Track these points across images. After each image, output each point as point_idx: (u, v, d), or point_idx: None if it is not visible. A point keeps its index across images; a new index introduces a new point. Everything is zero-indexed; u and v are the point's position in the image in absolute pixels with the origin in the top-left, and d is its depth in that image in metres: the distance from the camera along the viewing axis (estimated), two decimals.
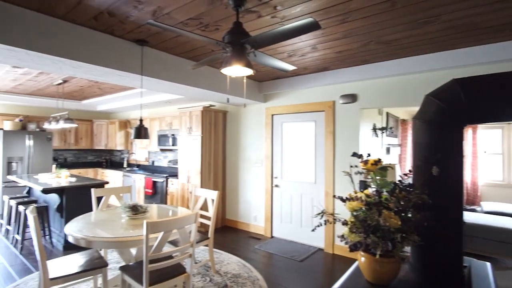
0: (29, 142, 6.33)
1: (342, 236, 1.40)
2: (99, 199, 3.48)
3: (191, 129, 5.14)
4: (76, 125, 4.97)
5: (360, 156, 1.48)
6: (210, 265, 3.54)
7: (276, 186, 4.79)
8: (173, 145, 5.87)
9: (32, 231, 2.36)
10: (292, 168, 4.66)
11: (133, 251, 2.95)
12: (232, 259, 3.85)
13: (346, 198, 1.44)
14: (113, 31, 2.80)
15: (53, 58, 2.58)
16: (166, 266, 2.37)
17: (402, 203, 1.33)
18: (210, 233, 3.38)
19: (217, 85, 4.04)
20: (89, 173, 7.53)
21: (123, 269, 2.50)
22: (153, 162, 7.04)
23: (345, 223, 1.44)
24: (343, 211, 1.57)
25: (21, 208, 4.13)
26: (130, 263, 2.73)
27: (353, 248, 1.30)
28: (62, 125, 4.81)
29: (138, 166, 7.39)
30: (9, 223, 4.67)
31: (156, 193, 5.73)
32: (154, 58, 3.25)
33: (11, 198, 4.76)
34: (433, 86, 1.73)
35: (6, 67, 4.12)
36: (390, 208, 1.33)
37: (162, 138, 6.15)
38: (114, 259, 3.71)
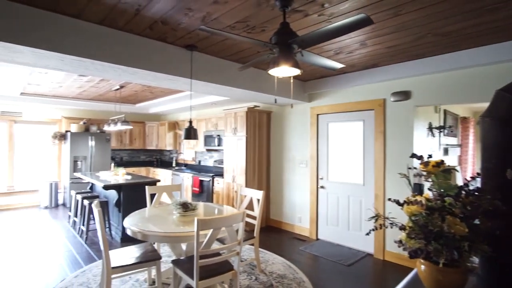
0: (91, 143, 6.99)
1: (400, 242, 1.32)
2: (152, 196, 3.71)
3: (236, 130, 5.25)
4: (131, 127, 5.37)
5: (420, 158, 1.38)
6: (256, 264, 3.58)
7: (322, 187, 4.69)
8: (218, 145, 6.05)
9: (96, 223, 2.60)
10: (339, 169, 4.53)
11: (184, 246, 3.10)
12: (277, 260, 3.85)
13: (404, 201, 1.36)
14: (165, 38, 2.97)
15: (113, 66, 2.81)
16: (214, 262, 2.45)
17: (469, 208, 1.21)
18: (256, 233, 3.42)
19: (263, 86, 4.08)
20: (141, 171, 8.08)
21: (175, 262, 2.64)
22: (199, 161, 7.33)
23: (402, 228, 1.35)
24: (396, 215, 1.48)
25: (85, 202, 4.57)
26: (181, 258, 2.87)
27: (413, 254, 1.22)
28: (119, 127, 5.24)
29: (186, 165, 7.75)
30: (76, 215, 5.19)
31: (203, 192, 5.95)
32: (202, 62, 3.38)
33: (77, 193, 5.29)
34: (500, 80, 1.56)
35: (74, 75, 4.59)
36: (454, 214, 1.23)
37: (208, 139, 6.37)
38: (165, 253, 3.93)
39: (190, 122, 3.14)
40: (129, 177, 5.18)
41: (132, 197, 4.62)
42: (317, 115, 4.77)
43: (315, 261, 3.91)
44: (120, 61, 2.77)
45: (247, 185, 5.06)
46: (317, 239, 4.73)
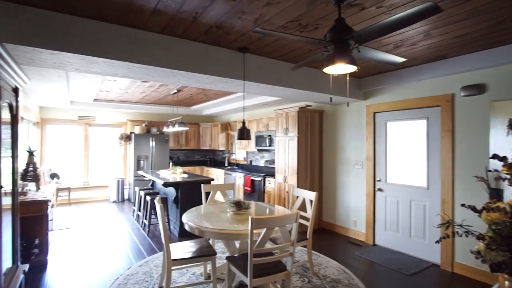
0: (152, 143, 7.56)
1: (478, 253, 1.18)
2: (207, 193, 3.87)
3: (287, 130, 5.23)
4: (188, 128, 5.68)
5: (503, 159, 1.21)
6: (308, 267, 3.52)
7: (379, 190, 4.42)
8: (269, 145, 6.09)
9: (158, 218, 2.79)
10: (399, 170, 4.22)
11: (237, 243, 3.17)
12: (331, 263, 3.73)
13: (483, 208, 1.21)
14: (219, 42, 3.07)
15: (173, 71, 3.00)
16: (268, 261, 2.47)
17: None
18: (309, 234, 3.35)
19: (316, 85, 3.99)
20: (196, 170, 8.50)
21: (229, 259, 2.71)
22: (251, 161, 7.45)
23: (480, 237, 1.21)
24: (470, 222, 1.32)
25: (148, 198, 4.96)
26: (235, 255, 2.95)
27: (496, 268, 1.08)
28: (177, 128, 5.57)
29: (238, 165, 7.94)
30: (139, 210, 5.66)
31: (254, 191, 6.04)
32: (254, 63, 3.43)
33: (140, 189, 5.76)
34: None
35: (138, 82, 5.01)
36: None
37: (259, 139, 6.45)
38: (219, 249, 4.07)
39: (243, 122, 3.21)
40: (185, 175, 5.48)
41: (188, 194, 4.88)
42: (374, 113, 4.51)
43: (372, 267, 3.70)
44: (178, 67, 2.95)
45: (298, 186, 5.00)
46: (374, 244, 4.47)
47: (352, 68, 2.11)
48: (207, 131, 8.74)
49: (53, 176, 6.86)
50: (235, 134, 8.04)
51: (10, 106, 1.90)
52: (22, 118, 5.19)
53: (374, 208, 4.49)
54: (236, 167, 7.72)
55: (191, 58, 3.02)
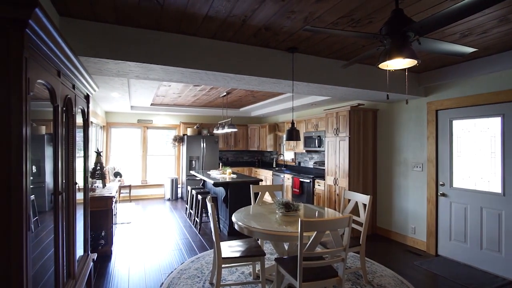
0: (203, 145, 7.87)
1: None
2: (255, 194, 3.90)
3: (338, 130, 5.04)
4: (236, 129, 5.80)
5: None
6: (361, 274, 3.33)
7: (443, 195, 4.02)
8: (319, 146, 5.94)
9: (210, 217, 2.88)
10: (467, 174, 3.80)
11: (286, 245, 3.14)
12: (386, 272, 3.49)
13: None
14: (268, 44, 3.07)
15: (223, 74, 3.08)
16: (318, 266, 2.39)
17: None
18: (362, 240, 3.18)
19: (369, 83, 3.78)
20: (244, 171, 8.64)
21: (278, 261, 2.68)
22: (299, 163, 7.35)
23: None
24: None
25: (199, 197, 5.16)
26: (284, 256, 2.92)
27: None
28: (226, 129, 5.73)
29: (286, 166, 7.89)
30: (191, 208, 5.93)
31: (303, 193, 5.93)
32: (303, 63, 3.37)
33: (192, 188, 6.03)
34: None
35: (190, 86, 5.26)
36: None
37: (307, 140, 6.33)
38: (267, 250, 4.06)
39: (293, 123, 3.16)
40: (234, 176, 5.60)
41: (238, 194, 4.98)
42: (436, 111, 4.12)
43: (435, 280, 3.37)
44: (228, 70, 3.01)
45: (350, 189, 4.78)
46: (437, 255, 4.08)
47: (412, 62, 1.94)
48: (255, 133, 8.84)
49: (117, 174, 7.53)
50: (283, 135, 8.00)
51: (83, 112, 2.11)
52: (91, 122, 5.78)
53: (436, 214, 4.10)
54: (284, 168, 7.67)
55: (240, 61, 3.07)
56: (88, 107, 2.25)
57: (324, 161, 6.18)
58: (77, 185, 1.81)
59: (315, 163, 6.55)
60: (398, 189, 4.70)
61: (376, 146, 5.10)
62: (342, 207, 3.61)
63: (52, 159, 1.42)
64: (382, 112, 5.02)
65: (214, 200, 5.20)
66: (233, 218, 2.97)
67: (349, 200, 3.54)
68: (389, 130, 4.87)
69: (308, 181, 5.76)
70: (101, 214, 3.98)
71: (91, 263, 2.19)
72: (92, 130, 6.00)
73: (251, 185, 3.89)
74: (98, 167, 4.46)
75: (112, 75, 3.13)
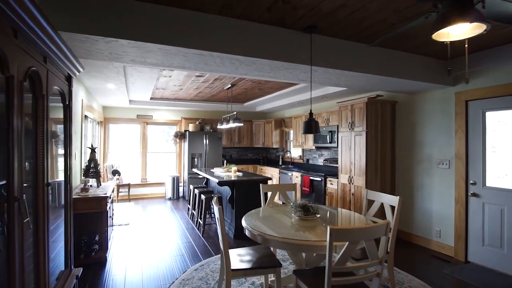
0: (205, 141, 7.47)
1: None
2: (265, 194, 3.50)
3: (353, 124, 4.62)
4: (242, 124, 5.39)
5: None
6: (389, 286, 2.93)
7: (474, 195, 3.61)
8: (330, 142, 5.52)
9: (217, 221, 2.48)
10: (503, 171, 3.39)
11: (303, 253, 2.74)
12: (414, 282, 3.09)
13: None
14: (284, 21, 2.66)
15: (231, 57, 2.66)
16: (350, 282, 1.99)
17: None
18: (390, 248, 2.77)
19: (393, 69, 3.37)
20: (249, 168, 8.24)
21: (298, 274, 2.29)
22: (307, 160, 6.94)
23: None
24: None
25: (202, 197, 4.76)
26: (303, 268, 2.52)
27: None
28: (231, 124, 5.32)
29: (293, 163, 7.48)
30: (194, 208, 5.53)
31: (313, 192, 5.53)
32: (322, 46, 2.95)
33: (195, 188, 5.63)
34: None
35: (192, 77, 4.85)
36: None
37: (317, 136, 5.92)
38: (279, 256, 3.67)
39: (311, 113, 2.75)
40: (240, 174, 5.20)
41: (244, 194, 4.58)
42: (466, 101, 3.70)
43: None
44: (237, 51, 2.60)
45: (367, 188, 4.37)
46: (467, 261, 3.68)
47: (478, 28, 1.53)
48: (260, 128, 8.43)
49: (115, 173, 7.14)
50: (290, 130, 7.59)
51: (62, 95, 1.71)
52: (86, 116, 5.38)
53: (466, 217, 3.69)
54: (292, 166, 7.26)
55: (250, 42, 2.65)
56: (70, 91, 1.84)
57: (335, 158, 5.78)
58: (49, 187, 1.41)
59: (325, 160, 6.14)
60: (420, 188, 4.29)
61: (394, 141, 4.69)
62: (364, 209, 3.21)
63: (6, 154, 1.02)
64: (401, 104, 4.60)
65: (219, 200, 4.80)
66: (244, 223, 2.57)
67: (368, 201, 3.14)
68: (410, 124, 4.46)
69: (319, 179, 5.35)
70: (94, 217, 3.59)
71: (75, 281, 1.80)
72: (88, 126, 5.60)
73: (261, 185, 3.49)
74: (93, 165, 4.07)
75: (104, 59, 2.72)
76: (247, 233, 2.46)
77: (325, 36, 2.96)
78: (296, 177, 6.19)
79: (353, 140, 4.62)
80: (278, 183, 6.86)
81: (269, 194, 3.54)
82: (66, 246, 1.79)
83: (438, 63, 3.75)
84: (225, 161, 6.25)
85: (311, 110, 2.79)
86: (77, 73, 1.88)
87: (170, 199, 7.56)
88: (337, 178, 4.98)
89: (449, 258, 3.80)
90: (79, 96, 4.22)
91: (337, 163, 5.73)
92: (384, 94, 4.70)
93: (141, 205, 6.84)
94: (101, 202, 3.51)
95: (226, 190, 4.94)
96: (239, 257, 2.58)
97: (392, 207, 2.87)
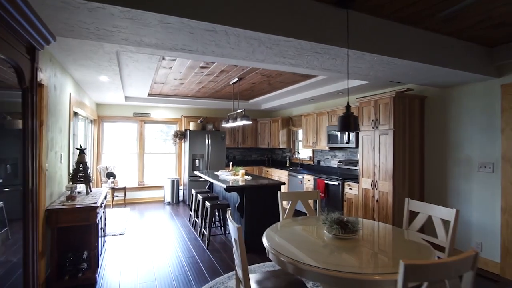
0: (208, 141, 6.92)
1: None
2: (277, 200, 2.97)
3: (377, 122, 4.10)
4: (251, 122, 4.85)
5: None
6: None
7: None
8: (347, 142, 5.00)
9: (234, 245, 1.94)
10: None
11: None
12: None
13: None
14: None
15: (251, 34, 2.13)
16: None
17: None
18: None
19: (436, 55, 2.84)
20: (254, 170, 7.70)
21: None
22: (318, 161, 6.41)
23: None
24: None
25: (207, 204, 4.22)
26: None
27: None
28: (239, 122, 4.78)
29: (302, 165, 6.95)
30: (196, 215, 4.98)
31: (329, 198, 5.00)
32: (359, 25, 2.42)
33: (197, 193, 5.09)
34: None
35: (195, 68, 4.30)
36: None
37: (331, 136, 5.39)
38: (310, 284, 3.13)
39: (348, 106, 2.21)
40: (249, 178, 4.66)
41: (255, 201, 4.04)
42: None
43: None
44: (259, 27, 2.06)
45: (395, 194, 3.86)
46: None
47: None
48: (266, 128, 7.89)
49: (109, 175, 6.58)
50: (299, 130, 7.06)
51: (19, 73, 1.16)
52: (76, 113, 4.82)
53: None
54: (301, 168, 6.73)
55: (273, 16, 2.12)
56: (34, 70, 1.30)
57: (351, 160, 5.26)
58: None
59: (340, 162, 5.61)
60: (456, 194, 3.77)
61: (423, 141, 4.17)
62: (405, 222, 2.68)
63: None
64: (432, 99, 4.08)
65: (225, 207, 4.26)
66: (265, 243, 2.05)
67: (409, 213, 2.61)
68: (442, 121, 3.94)
69: (336, 183, 4.82)
70: (82, 230, 3.04)
71: None
72: (78, 124, 5.04)
73: (279, 193, 2.96)
74: (81, 168, 3.51)
75: (90, 37, 2.18)
76: (271, 256, 1.93)
77: (362, 13, 2.43)
78: (308, 180, 5.66)
79: (377, 140, 4.10)
80: (286, 187, 6.33)
81: (282, 201, 3.01)
82: (26, 271, 1.25)
83: (482, 50, 3.23)
84: (230, 163, 5.71)
85: (348, 103, 2.25)
86: (45, 45, 1.34)
87: (169, 203, 7.00)
88: (357, 182, 4.46)
89: (494, 275, 3.28)
90: (66, 89, 3.67)
91: (353, 165, 5.21)
92: (411, 88, 4.17)
93: (138, 211, 6.28)
94: (90, 213, 2.95)
95: (234, 196, 4.41)
96: (260, 285, 2.05)
97: (444, 221, 2.36)
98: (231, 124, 5.12)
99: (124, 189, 6.70)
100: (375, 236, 2.26)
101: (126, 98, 6.34)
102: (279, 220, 4.22)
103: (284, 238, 2.18)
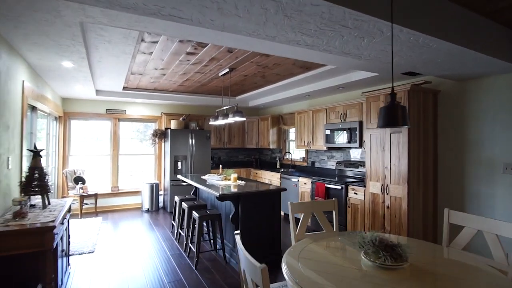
0: (191, 141, 6.25)
1: None
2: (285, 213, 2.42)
3: None
4: (244, 118, 4.27)
5: None
6: None
7: None
8: (349, 142, 4.54)
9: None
10: None
11: None
12: None
13: None
14: None
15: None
16: None
17: None
18: None
19: (472, 37, 2.40)
20: (241, 173, 7.11)
21: None
22: (312, 163, 5.93)
23: None
24: None
25: (195, 215, 3.59)
26: None
27: None
28: (230, 119, 4.17)
29: (294, 167, 6.45)
30: (181, 227, 4.33)
31: None
32: None
33: (182, 200, 4.44)
34: None
35: (181, 54, 3.66)
36: None
37: (330, 134, 4.92)
38: None
39: (393, 94, 1.69)
40: (242, 182, 4.08)
41: (253, 210, 3.47)
42: None
43: None
44: None
45: (410, 199, 3.43)
46: None
47: None
48: (254, 127, 7.33)
49: (78, 180, 5.75)
50: (290, 128, 6.56)
51: None
52: (33, 108, 4.02)
53: None
54: (293, 170, 6.22)
55: None
56: None
57: (352, 161, 4.81)
58: None
59: (338, 163, 5.15)
60: (476, 199, 3.40)
61: (436, 140, 3.78)
62: (446, 239, 2.22)
63: None
64: (446, 94, 3.70)
65: (216, 218, 3.64)
66: (286, 275, 1.51)
67: (449, 226, 2.16)
68: (458, 118, 3.56)
69: (339, 187, 4.34)
70: (34, 258, 2.33)
71: None
72: (36, 121, 4.23)
73: (289, 204, 2.41)
74: (37, 175, 2.77)
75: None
76: None
77: None
78: (304, 184, 5.15)
79: (389, 139, 3.66)
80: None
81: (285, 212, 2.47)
82: None
83: (504, 32, 2.84)
84: (220, 165, 5.09)
85: (393, 89, 1.73)
86: None
87: (148, 211, 6.26)
88: (363, 186, 4.00)
89: None
90: (17, 75, 2.92)
91: (354, 167, 4.77)
92: (429, 80, 3.75)
93: (111, 221, 5.50)
94: (45, 235, 2.24)
95: (226, 204, 3.81)
96: None
97: (497, 236, 1.91)
98: (220, 122, 4.51)
99: (95, 195, 5.88)
100: (427, 262, 1.76)
101: (98, 92, 5.55)
102: (278, 233, 3.68)
103: (311, 268, 1.63)
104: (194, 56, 3.68)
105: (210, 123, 4.76)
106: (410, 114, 3.46)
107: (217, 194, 3.25)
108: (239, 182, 4.09)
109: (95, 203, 5.89)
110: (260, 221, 3.51)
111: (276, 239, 3.62)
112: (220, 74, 4.55)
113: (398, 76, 3.77)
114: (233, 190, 3.51)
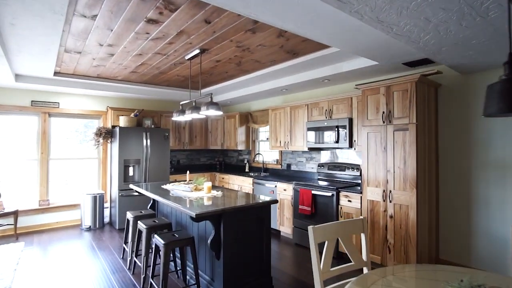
0: (146, 141, 5.20)
1: None
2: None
3: (391, 115, 3.17)
4: (222, 113, 3.43)
5: None
6: None
7: None
8: (337, 142, 3.99)
9: None
10: None
11: None
12: None
13: None
14: None
15: None
16: None
17: None
18: None
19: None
20: (205, 178, 6.20)
21: None
22: (288, 165, 5.31)
23: None
24: None
25: (160, 241, 2.67)
26: None
27: None
28: (203, 112, 3.30)
29: (266, 170, 5.77)
30: (135, 253, 3.34)
31: (317, 213, 3.91)
32: None
33: (137, 218, 3.47)
34: None
35: (140, 22, 2.72)
36: None
37: (312, 134, 4.34)
38: None
39: (511, 62, 1.09)
40: (219, 193, 3.26)
41: (238, 231, 2.68)
42: None
43: None
44: None
45: (418, 208, 2.97)
46: None
47: None
48: (218, 125, 6.49)
49: None
50: (260, 127, 5.87)
51: None
52: None
53: None
54: (267, 174, 5.54)
55: None
56: None
57: (337, 163, 4.29)
58: None
59: (320, 165, 4.59)
60: (483, 203, 3.06)
61: (438, 139, 3.41)
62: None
63: None
64: (447, 88, 3.34)
65: (187, 243, 2.76)
66: None
67: None
68: (462, 114, 3.22)
69: (329, 194, 3.76)
70: None
71: None
72: None
73: (310, 229, 1.69)
74: None
75: None
76: None
77: None
78: (283, 190, 4.50)
79: (392, 137, 3.17)
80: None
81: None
82: None
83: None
84: (187, 171, 4.16)
85: (510, 53, 1.13)
86: None
87: (89, 229, 5.03)
88: (359, 192, 3.47)
89: None
90: None
91: (339, 170, 4.27)
92: (440, 70, 3.34)
93: (38, 246, 4.22)
94: None
95: (205, 226, 2.94)
96: None
97: None
98: (189, 117, 3.61)
99: (15, 213, 4.51)
100: None
101: (18, 77, 4.24)
102: (268, 256, 2.85)
103: None
104: (158, 26, 2.76)
105: (173, 118, 3.83)
106: (418, 108, 3.00)
107: (193, 213, 2.39)
108: (214, 192, 3.26)
109: (15, 224, 4.51)
110: (247, 244, 2.74)
111: (265, 264, 2.87)
112: (186, 58, 3.65)
113: (397, 67, 3.32)
114: (210, 204, 2.68)
